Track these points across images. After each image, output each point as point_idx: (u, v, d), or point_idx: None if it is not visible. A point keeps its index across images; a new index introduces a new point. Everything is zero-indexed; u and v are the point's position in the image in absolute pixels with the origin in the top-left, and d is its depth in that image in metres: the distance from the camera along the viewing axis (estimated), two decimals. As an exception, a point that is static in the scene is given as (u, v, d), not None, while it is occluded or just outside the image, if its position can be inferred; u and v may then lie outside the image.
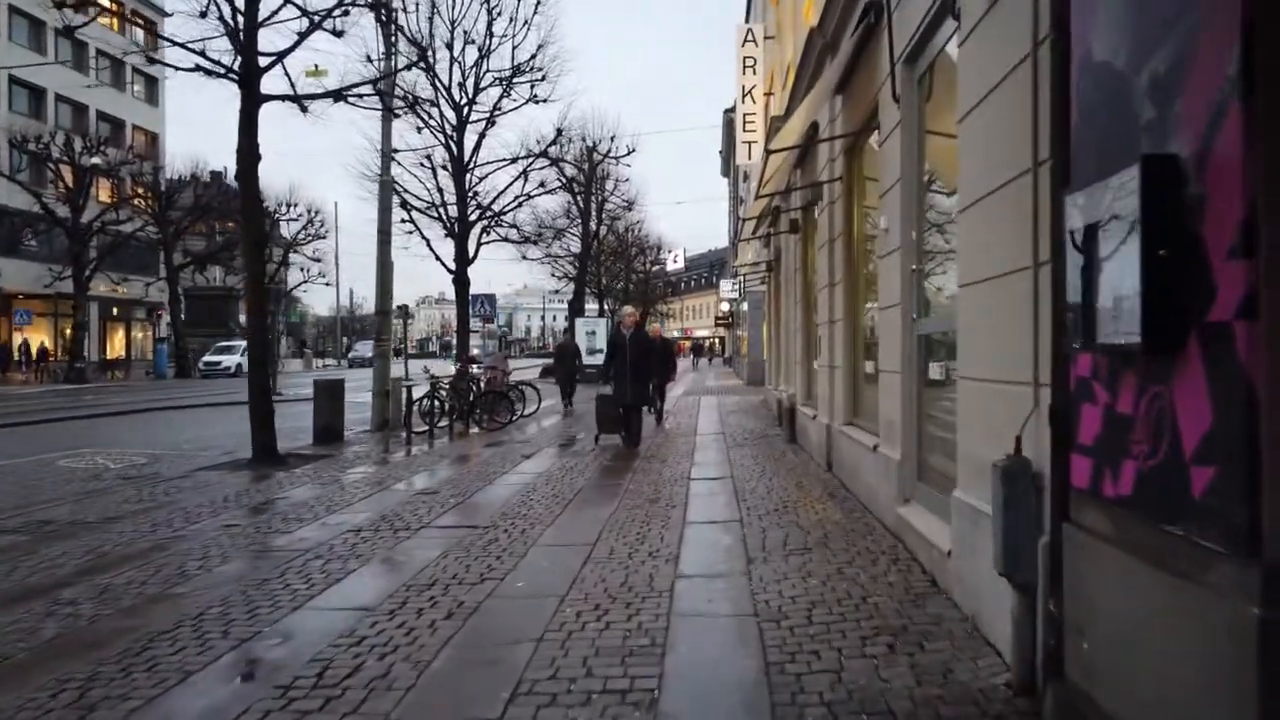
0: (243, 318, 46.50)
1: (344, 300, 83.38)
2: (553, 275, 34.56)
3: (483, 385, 15.92)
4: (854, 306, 7.61)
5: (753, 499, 7.10)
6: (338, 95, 10.46)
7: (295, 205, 47.75)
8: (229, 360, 40.12)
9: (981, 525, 3.50)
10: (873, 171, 7.06)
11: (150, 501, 7.61)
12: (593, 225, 35.18)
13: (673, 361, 14.48)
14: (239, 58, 9.99)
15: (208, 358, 40.59)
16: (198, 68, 9.70)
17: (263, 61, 10.06)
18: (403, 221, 17.68)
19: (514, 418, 14.94)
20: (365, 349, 51.12)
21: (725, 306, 43.34)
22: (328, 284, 52.74)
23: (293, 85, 10.48)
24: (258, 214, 10.16)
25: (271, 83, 10.50)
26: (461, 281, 17.92)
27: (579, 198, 33.20)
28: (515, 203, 19.26)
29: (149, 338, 45.73)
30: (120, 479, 9.09)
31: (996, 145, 3.43)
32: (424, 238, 17.57)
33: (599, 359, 32.72)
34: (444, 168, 17.99)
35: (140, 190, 39.16)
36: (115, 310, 44.17)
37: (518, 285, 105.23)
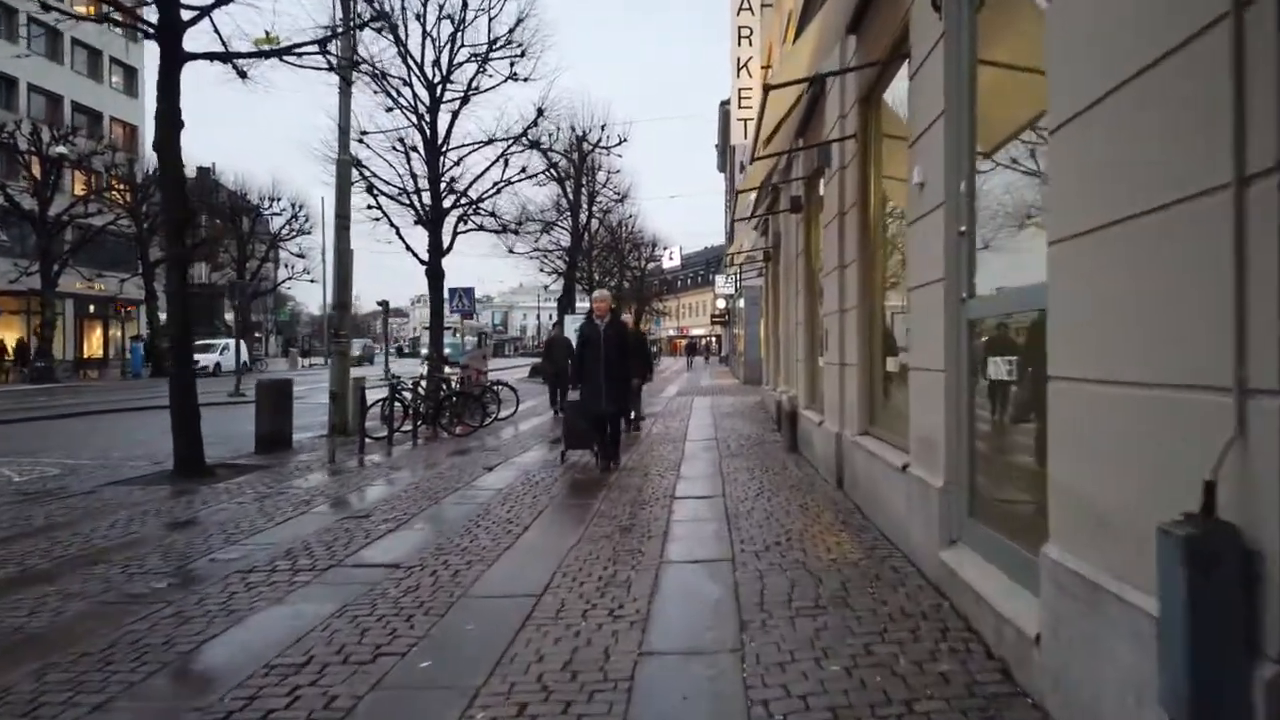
0: (229, 315, 45.13)
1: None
2: (541, 270, 33.22)
3: (455, 386, 14.61)
4: (871, 291, 6.30)
5: (748, 527, 5.78)
6: (274, 54, 9.11)
7: (279, 199, 46.63)
8: (208, 359, 38.83)
9: (1106, 610, 2.19)
10: (894, 127, 5.75)
11: (18, 528, 6.27)
12: (583, 218, 33.86)
13: (648, 357, 12.61)
14: (158, 9, 8.66)
15: (187, 356, 39.14)
16: (106, 18, 8.36)
17: (186, 15, 8.73)
18: (369, 208, 16.33)
19: (488, 421, 13.63)
20: (352, 348, 49.62)
21: (721, 304, 42.02)
22: (313, 280, 51.49)
23: (225, 44, 9.14)
24: (178, 189, 8.82)
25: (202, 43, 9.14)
26: (435, 273, 16.60)
27: (567, 189, 31.85)
28: (494, 189, 17.96)
29: (130, 336, 44.33)
30: (16, 496, 7.77)
31: None
32: (393, 225, 16.25)
33: (589, 357, 31.51)
34: (413, 149, 16.65)
35: (115, 183, 37.72)
36: (92, 308, 42.73)
37: (513, 284, 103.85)
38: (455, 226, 17.79)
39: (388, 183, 16.85)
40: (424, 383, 13.03)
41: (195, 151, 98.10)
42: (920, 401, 4.46)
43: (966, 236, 3.89)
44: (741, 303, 30.48)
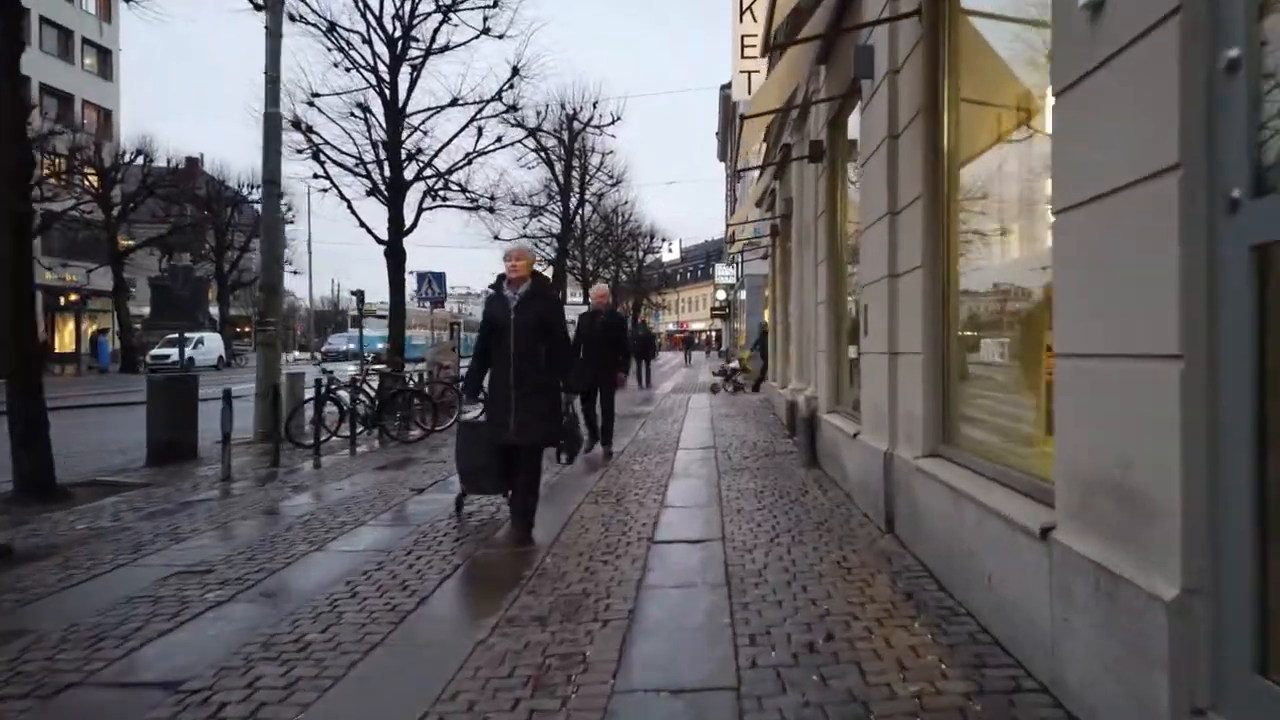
0: (214, 310, 42.84)
1: (329, 292, 79.98)
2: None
3: (414, 384, 12.57)
4: (943, 242, 4.23)
5: (762, 606, 3.70)
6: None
7: (258, 187, 44.46)
8: (175, 352, 36.72)
9: None
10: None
11: None
12: (574, 203, 31.77)
13: (625, 352, 9.31)
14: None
15: (156, 351, 37.15)
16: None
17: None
18: (316, 177, 14.27)
19: (449, 423, 11.59)
20: (340, 341, 47.62)
21: (721, 295, 39.91)
22: (295, 272, 49.23)
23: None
24: (17, 129, 6.74)
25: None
26: (395, 253, 14.54)
27: (557, 171, 29.73)
28: (465, 160, 15.90)
29: (110, 331, 42.25)
30: None
31: None
32: (343, 198, 14.20)
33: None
34: (367, 110, 14.52)
35: (80, 167, 35.65)
36: (63, 300, 40.69)
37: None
38: (421, 202, 15.71)
39: (342, 151, 14.78)
40: (368, 381, 10.99)
41: (186, 143, 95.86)
42: (1101, 414, 2.37)
43: (1244, 71, 1.82)
44: (743, 294, 28.41)
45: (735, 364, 17.00)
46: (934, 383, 4.25)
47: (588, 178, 32.92)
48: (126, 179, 38.34)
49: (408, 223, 15.23)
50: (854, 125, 6.89)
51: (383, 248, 14.92)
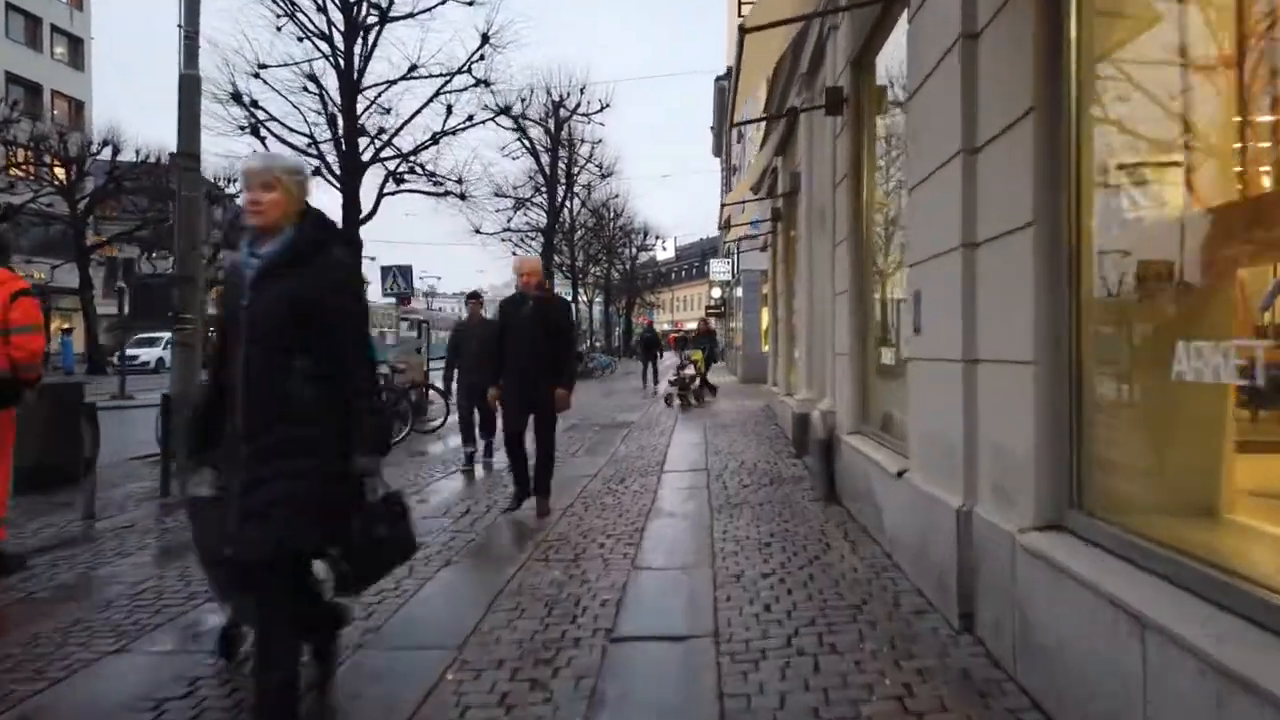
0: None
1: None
2: (514, 254, 29.40)
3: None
4: (1068, 181, 2.63)
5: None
6: None
7: (235, 180, 42.68)
8: (149, 354, 35.08)
9: None
10: None
11: None
12: (563, 195, 30.12)
13: (570, 356, 6.16)
14: None
15: (128, 351, 35.38)
16: None
17: None
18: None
19: (396, 438, 10.01)
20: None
21: (716, 293, 38.32)
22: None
23: None
24: None
25: None
26: (353, 242, 12.94)
27: (543, 161, 28.09)
28: (431, 139, 14.27)
29: (75, 330, 40.46)
30: None
31: None
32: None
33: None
34: (318, 82, 12.92)
35: (43, 158, 33.92)
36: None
37: (508, 277, 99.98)
38: (382, 187, 14.10)
39: (291, 129, 13.15)
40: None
41: (167, 137, 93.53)
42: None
43: None
44: (739, 291, 26.84)
45: (690, 370, 14.39)
46: (1056, 408, 2.64)
47: (576, 169, 31.30)
48: (95, 172, 36.62)
49: (366, 208, 13.64)
50: (884, 65, 5.30)
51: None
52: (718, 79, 48.41)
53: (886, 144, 5.45)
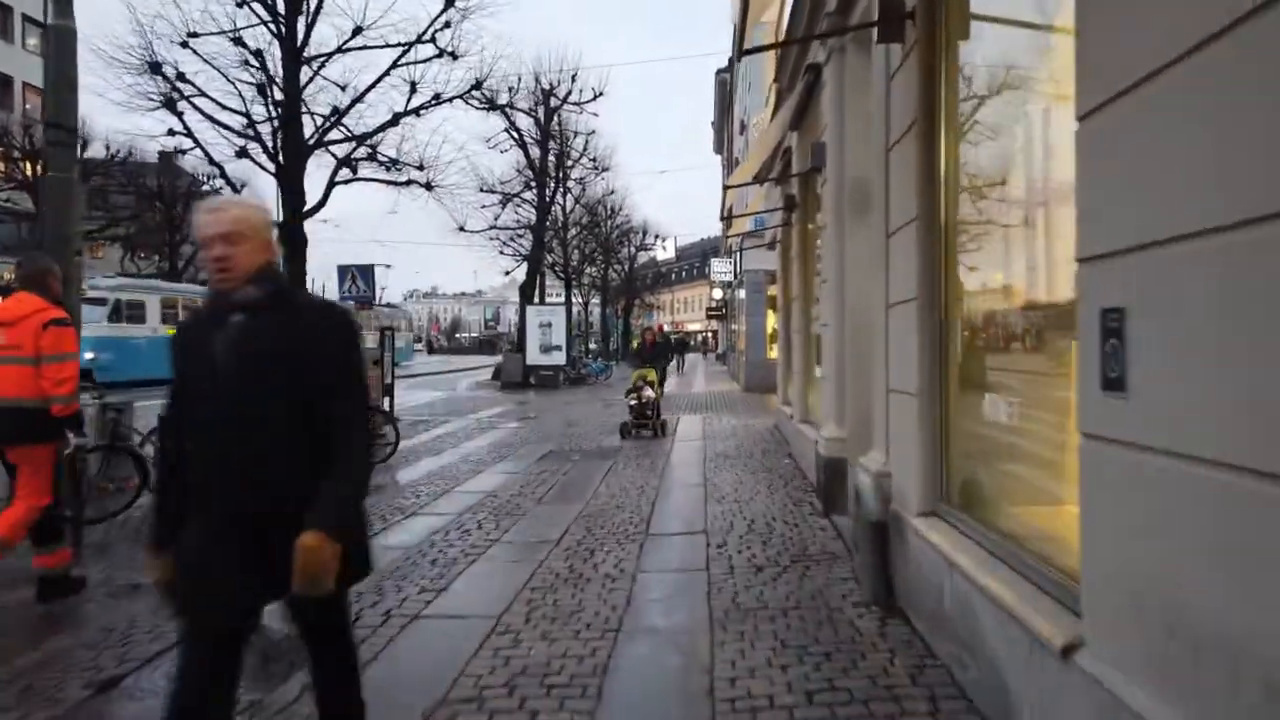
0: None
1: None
2: (502, 253, 27.55)
3: None
4: None
5: None
6: None
7: (214, 177, 40.80)
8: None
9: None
10: None
11: None
12: (552, 189, 28.22)
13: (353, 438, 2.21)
14: None
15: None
16: None
17: None
18: (172, 133, 10.83)
19: None
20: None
21: (718, 294, 36.42)
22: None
23: None
24: None
25: None
26: (294, 238, 11.11)
27: (531, 153, 26.22)
28: (392, 120, 12.42)
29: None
30: None
31: None
32: (213, 163, 10.71)
33: (554, 357, 25.81)
34: (256, 53, 11.06)
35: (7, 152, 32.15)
36: (-4, 299, 36.93)
37: (499, 280, 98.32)
38: (334, 175, 12.24)
39: (223, 105, 11.29)
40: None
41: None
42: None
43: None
44: (742, 293, 24.96)
45: (649, 392, 11.36)
46: None
47: (569, 162, 29.41)
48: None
49: (314, 198, 11.79)
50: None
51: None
52: (718, 71, 46.56)
53: (973, 82, 3.59)
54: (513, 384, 24.53)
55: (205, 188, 37.97)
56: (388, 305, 43.47)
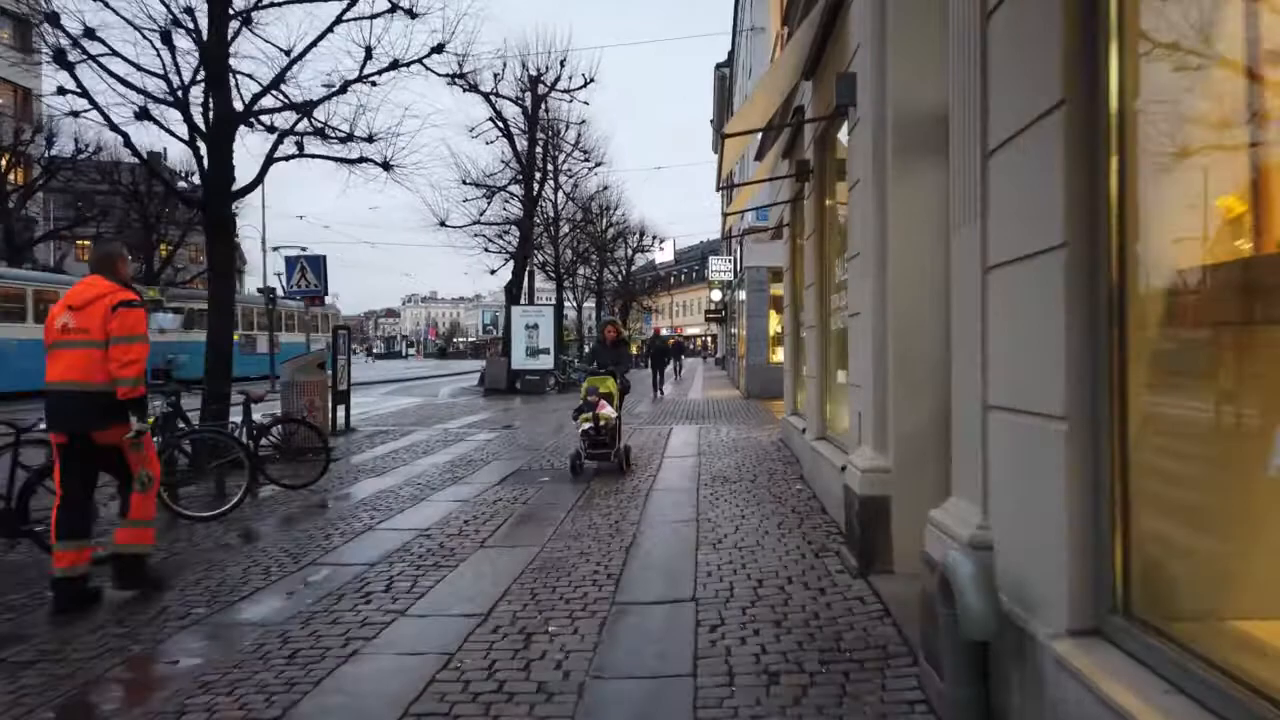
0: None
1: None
2: (486, 251, 25.84)
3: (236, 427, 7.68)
4: None
5: None
6: None
7: (194, 174, 39.08)
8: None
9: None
10: None
11: None
12: (549, 187, 26.62)
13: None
14: None
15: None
16: None
17: None
18: (62, 93, 9.16)
19: (303, 483, 6.79)
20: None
21: (716, 295, 34.75)
22: (239, 270, 43.85)
23: None
24: None
25: None
26: (220, 222, 9.44)
27: (518, 144, 24.60)
28: (339, 88, 10.78)
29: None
30: None
31: None
32: (112, 127, 9.03)
33: (541, 361, 24.07)
34: (187, 13, 9.45)
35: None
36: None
37: (488, 283, 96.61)
38: (273, 150, 10.58)
39: (144, 69, 9.65)
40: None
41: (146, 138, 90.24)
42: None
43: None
44: (742, 293, 23.31)
45: (607, 410, 8.20)
46: None
47: (560, 155, 27.79)
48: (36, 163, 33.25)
49: (245, 176, 10.13)
50: None
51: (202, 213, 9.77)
52: (718, 66, 44.95)
53: None
54: (497, 390, 22.89)
55: (100, 157, 34.73)
56: (314, 302, 41.41)
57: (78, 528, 4.29)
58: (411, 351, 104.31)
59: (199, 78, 9.65)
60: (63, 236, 32.83)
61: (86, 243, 37.42)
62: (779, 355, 20.39)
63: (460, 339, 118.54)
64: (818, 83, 6.92)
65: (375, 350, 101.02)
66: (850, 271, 5.23)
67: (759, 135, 10.21)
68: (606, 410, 8.19)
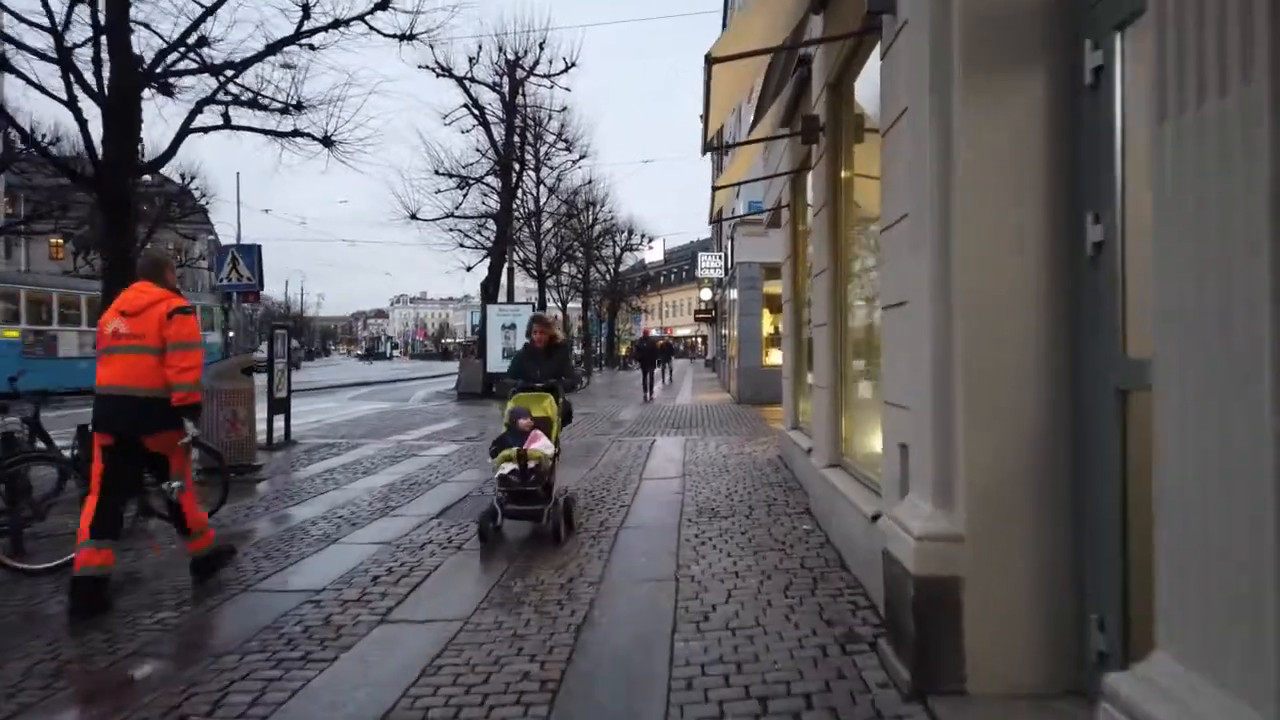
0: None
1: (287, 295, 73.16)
2: (462, 246, 24.24)
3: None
4: None
5: None
6: None
7: (170, 179, 37.17)
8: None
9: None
10: None
11: None
12: (518, 173, 25.04)
13: None
14: None
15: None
16: None
17: None
18: None
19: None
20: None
21: (706, 294, 33.29)
22: (208, 268, 41.97)
23: None
24: None
25: None
26: (114, 200, 7.89)
27: (494, 132, 23.08)
28: (267, 49, 9.25)
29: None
30: None
31: None
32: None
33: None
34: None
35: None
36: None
37: (468, 285, 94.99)
38: (189, 120, 9.06)
39: (31, 22, 8.12)
40: None
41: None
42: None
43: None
44: (734, 292, 21.86)
45: (539, 445, 5.40)
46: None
47: (542, 146, 26.30)
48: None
49: (153, 149, 8.61)
50: None
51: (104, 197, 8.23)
52: (708, 58, 43.51)
53: None
54: (472, 394, 21.37)
55: (146, 180, 34.07)
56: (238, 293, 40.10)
57: (109, 529, 4.32)
58: (396, 352, 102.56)
59: (88, 17, 8.09)
60: (17, 232, 30.97)
61: (59, 241, 35.63)
62: (773, 357, 18.95)
63: (449, 340, 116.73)
64: (830, 16, 5.48)
65: (358, 353, 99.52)
66: (887, 246, 3.76)
67: (754, 103, 8.75)
68: (539, 446, 5.45)
